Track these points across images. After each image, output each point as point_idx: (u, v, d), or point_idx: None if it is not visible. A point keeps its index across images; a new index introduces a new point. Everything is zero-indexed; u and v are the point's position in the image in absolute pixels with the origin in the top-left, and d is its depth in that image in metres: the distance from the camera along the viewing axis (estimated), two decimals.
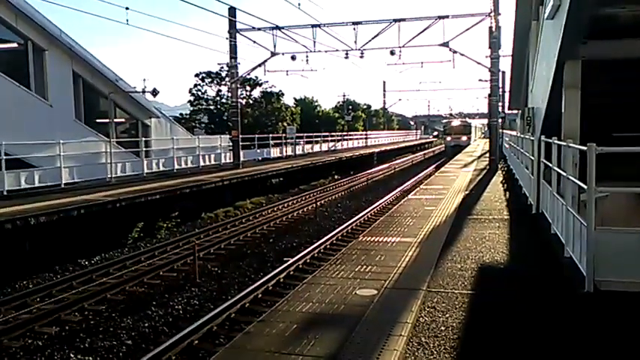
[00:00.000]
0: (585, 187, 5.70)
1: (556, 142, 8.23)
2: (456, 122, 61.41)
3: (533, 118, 12.65)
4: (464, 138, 56.61)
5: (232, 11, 23.74)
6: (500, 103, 27.56)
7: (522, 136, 14.86)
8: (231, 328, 8.43)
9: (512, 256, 7.73)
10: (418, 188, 15.93)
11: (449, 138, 57.96)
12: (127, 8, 17.09)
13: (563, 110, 9.21)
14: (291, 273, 11.21)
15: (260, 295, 9.83)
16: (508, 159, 24.38)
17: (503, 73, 30.54)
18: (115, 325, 9.06)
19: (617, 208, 7.73)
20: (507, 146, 26.17)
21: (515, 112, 30.50)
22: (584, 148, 5.69)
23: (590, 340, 4.77)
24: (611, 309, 5.35)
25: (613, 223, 6.16)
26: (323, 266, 7.02)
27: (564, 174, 7.13)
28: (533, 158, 11.04)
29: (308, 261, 12.10)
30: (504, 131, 31.04)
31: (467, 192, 14.97)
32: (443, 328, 4.93)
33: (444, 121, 73.80)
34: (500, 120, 27.84)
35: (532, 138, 11.67)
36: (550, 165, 8.55)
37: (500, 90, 27.41)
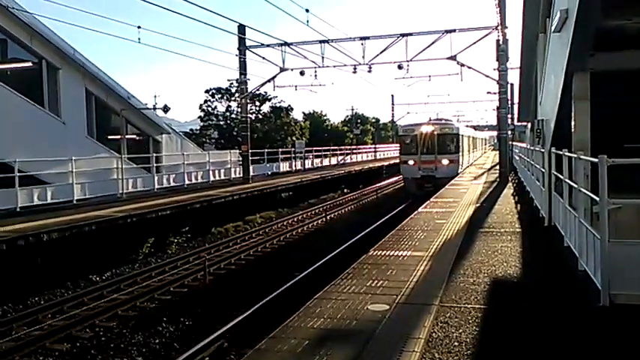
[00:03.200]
0: (597, 199, 5.65)
1: (567, 154, 8.19)
2: (427, 128, 28.68)
3: (543, 130, 12.61)
4: (444, 161, 27.77)
5: (242, 29, 23.97)
6: (509, 115, 27.48)
7: (532, 148, 14.80)
8: (242, 344, 8.40)
9: (525, 270, 7.65)
10: (428, 201, 15.86)
11: (411, 162, 28.30)
12: (138, 27, 17.32)
13: (572, 122, 9.18)
14: (301, 287, 11.18)
15: (271, 311, 9.80)
16: (518, 171, 24.26)
17: (512, 85, 30.48)
18: (126, 341, 9.07)
19: (631, 219, 7.66)
20: (517, 158, 26.08)
21: (524, 123, 30.44)
22: (596, 160, 5.66)
23: (606, 355, 4.70)
24: (627, 323, 5.27)
25: (627, 235, 6.10)
26: (334, 281, 7.00)
27: (576, 186, 7.09)
28: (543, 170, 10.98)
29: (318, 275, 12.07)
30: (514, 143, 30.94)
31: (478, 205, 14.89)
32: (456, 343, 4.88)
33: (403, 124, 34.95)
34: (509, 132, 27.78)
35: (542, 150, 11.61)
36: (561, 177, 8.50)
37: (509, 102, 27.35)
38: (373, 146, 63.76)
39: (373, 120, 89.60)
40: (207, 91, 50.93)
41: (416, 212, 13.15)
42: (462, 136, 30.65)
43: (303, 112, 69.52)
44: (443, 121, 32.72)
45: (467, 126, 46.96)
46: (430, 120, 33.12)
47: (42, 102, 20.30)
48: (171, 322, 9.91)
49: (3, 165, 15.99)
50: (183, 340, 8.94)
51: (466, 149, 33.31)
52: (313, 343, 4.91)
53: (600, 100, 9.06)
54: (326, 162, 43.17)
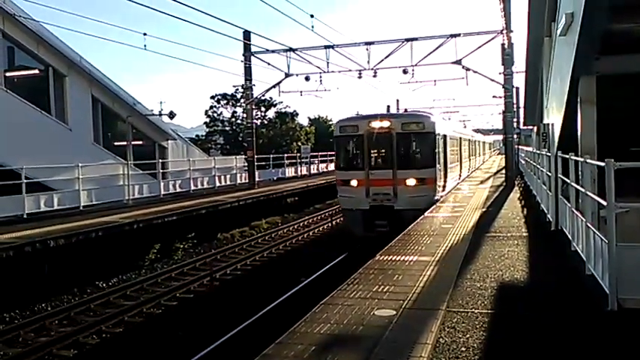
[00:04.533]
0: (605, 203, 5.62)
1: (573, 157, 8.16)
2: (379, 123, 16.59)
3: (549, 134, 12.57)
4: (409, 181, 16.18)
5: (247, 35, 24.06)
6: (514, 119, 27.39)
7: (538, 152, 14.75)
8: (249, 350, 8.39)
9: (533, 274, 7.61)
10: (434, 205, 15.82)
11: (353, 182, 16.71)
12: (144, 34, 17.43)
13: (579, 126, 9.14)
14: (307, 293, 11.17)
15: (277, 316, 9.79)
16: (525, 175, 24.17)
17: (517, 89, 30.42)
18: (132, 347, 9.08)
19: (638, 223, 7.61)
20: (523, 162, 25.98)
21: (530, 127, 30.32)
22: (602, 164, 5.63)
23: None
24: (636, 328, 5.23)
25: (635, 239, 6.05)
26: (340, 286, 6.98)
27: (582, 190, 7.05)
28: (550, 174, 10.93)
29: (324, 280, 12.05)
30: (520, 147, 30.83)
31: (484, 209, 14.84)
32: (464, 348, 4.86)
33: (342, 119, 18.47)
34: (515, 136, 27.65)
35: (548, 154, 11.58)
36: (568, 181, 8.46)
37: (515, 106, 27.27)
38: None
39: None
40: (212, 97, 51.05)
41: (422, 217, 13.11)
42: (444, 137, 18.11)
43: (309, 117, 69.43)
44: (408, 114, 21.23)
45: (462, 123, 39.09)
46: (388, 112, 23.42)
47: (49, 109, 20.43)
48: (177, 327, 9.91)
49: (10, 171, 16.08)
50: (190, 347, 8.94)
51: (451, 159, 20.04)
52: (320, 349, 4.89)
53: (606, 103, 9.02)
54: (332, 167, 43.15)
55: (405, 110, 26.63)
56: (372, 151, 16.71)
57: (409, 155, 16.68)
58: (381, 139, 16.35)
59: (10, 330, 9.63)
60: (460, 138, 25.46)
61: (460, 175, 24.48)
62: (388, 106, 28.57)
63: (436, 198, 16.50)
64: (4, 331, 9.63)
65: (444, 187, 18.12)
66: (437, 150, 16.61)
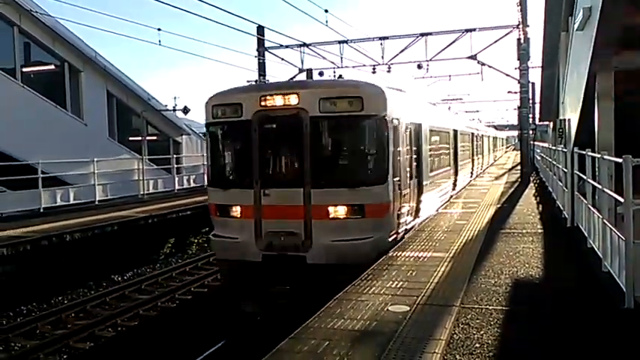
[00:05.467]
0: (622, 199, 5.56)
1: (590, 154, 8.07)
2: (274, 99, 8.93)
3: (566, 130, 12.45)
4: (337, 210, 8.63)
5: (261, 30, 24.07)
6: (530, 115, 27.13)
7: (555, 148, 14.62)
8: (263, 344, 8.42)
9: (548, 271, 7.55)
10: (449, 202, 15.75)
11: (235, 209, 9.21)
12: (159, 29, 17.49)
13: (596, 121, 9.05)
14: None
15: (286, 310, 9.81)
16: (540, 171, 23.97)
17: (533, 84, 30.12)
18: (147, 341, 9.16)
19: None
20: (539, 158, 25.75)
21: (546, 123, 30.02)
22: (620, 160, 5.56)
23: (630, 358, 4.61)
24: None
25: None
26: (354, 282, 6.98)
27: (599, 186, 6.98)
28: (566, 170, 10.83)
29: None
30: (536, 143, 30.54)
31: (499, 205, 14.74)
32: (478, 345, 4.84)
33: (216, 94, 9.65)
34: (531, 132, 27.39)
35: (565, 150, 11.46)
36: (584, 177, 8.38)
37: (530, 102, 27.00)
38: None
39: None
40: None
41: (436, 213, 13.05)
42: (415, 128, 11.28)
43: None
44: (332, 81, 14.45)
45: (477, 120, 34.70)
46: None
47: (64, 104, 20.61)
48: (192, 321, 9.98)
49: (27, 166, 16.28)
50: (205, 340, 9.00)
51: (429, 167, 12.79)
52: (333, 344, 4.91)
53: (624, 99, 8.91)
54: None
55: (340, 77, 18.30)
56: (266, 153, 9.18)
57: (335, 160, 9.42)
58: (284, 129, 9.12)
59: (27, 322, 9.78)
60: (472, 134, 23.76)
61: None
62: (309, 71, 17.06)
63: (392, 239, 9.34)
64: (22, 323, 9.78)
65: (417, 212, 11.11)
66: (393, 149, 9.24)
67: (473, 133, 24.85)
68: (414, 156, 11.06)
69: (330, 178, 8.82)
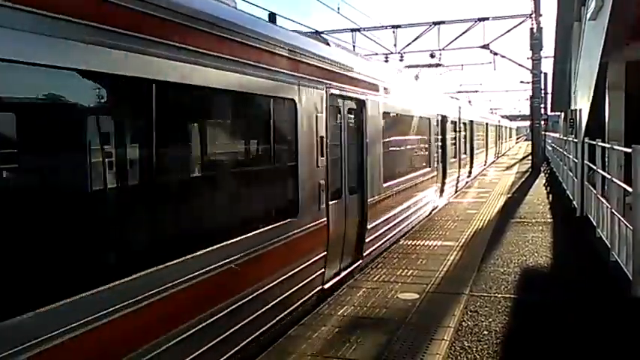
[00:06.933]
0: (630, 189, 5.61)
1: (600, 144, 8.10)
2: None
3: (577, 120, 12.43)
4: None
5: (272, 17, 24.00)
6: (542, 105, 26.95)
7: (565, 138, 14.59)
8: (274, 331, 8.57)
9: (556, 260, 7.63)
10: (460, 191, 15.79)
11: None
12: None
13: (607, 112, 9.05)
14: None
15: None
16: (551, 161, 23.89)
17: (545, 74, 29.88)
18: None
19: None
20: (550, 148, 25.64)
21: (557, 113, 29.83)
22: (629, 150, 5.61)
23: (638, 347, 4.69)
24: None
25: None
26: (364, 270, 7.10)
27: (609, 176, 7.02)
28: (576, 160, 10.85)
29: None
30: (547, 133, 30.36)
31: (509, 195, 14.77)
32: (486, 332, 4.94)
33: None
34: (542, 122, 27.22)
35: (575, 140, 11.47)
36: (594, 167, 8.41)
37: (543, 92, 26.82)
38: None
39: None
40: None
41: (446, 202, 13.12)
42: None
43: None
44: None
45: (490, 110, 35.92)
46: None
47: None
48: None
49: None
50: None
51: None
52: (343, 331, 5.03)
53: (635, 90, 8.90)
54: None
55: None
56: None
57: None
58: None
59: None
60: (487, 124, 24.91)
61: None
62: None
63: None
64: None
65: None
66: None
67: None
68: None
69: None
